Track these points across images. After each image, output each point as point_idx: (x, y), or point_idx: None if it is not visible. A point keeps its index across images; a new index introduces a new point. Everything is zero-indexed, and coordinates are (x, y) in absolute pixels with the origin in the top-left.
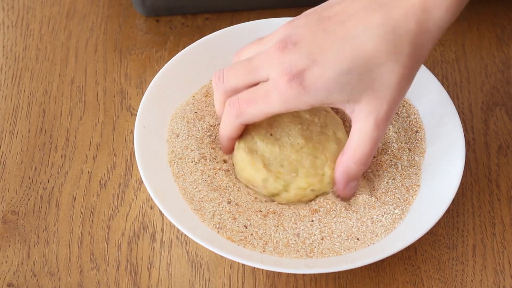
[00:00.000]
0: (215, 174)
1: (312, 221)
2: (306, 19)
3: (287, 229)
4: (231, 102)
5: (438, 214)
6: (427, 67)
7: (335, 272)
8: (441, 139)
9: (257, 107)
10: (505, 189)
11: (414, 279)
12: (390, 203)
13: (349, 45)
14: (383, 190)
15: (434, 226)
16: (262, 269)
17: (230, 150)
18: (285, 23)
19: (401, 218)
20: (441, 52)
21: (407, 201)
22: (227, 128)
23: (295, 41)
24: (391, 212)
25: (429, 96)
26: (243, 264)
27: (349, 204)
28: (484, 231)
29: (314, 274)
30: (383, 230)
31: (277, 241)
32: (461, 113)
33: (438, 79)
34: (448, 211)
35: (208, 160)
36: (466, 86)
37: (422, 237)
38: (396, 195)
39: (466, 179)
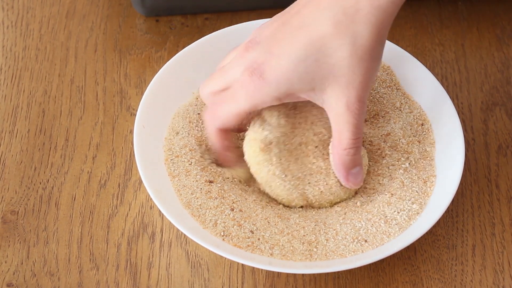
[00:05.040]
0: (213, 179)
1: (317, 222)
2: (273, 18)
3: (293, 230)
4: (207, 109)
5: (438, 214)
6: (426, 67)
7: (334, 272)
8: (441, 139)
9: (227, 107)
10: (505, 189)
11: (414, 279)
12: (407, 198)
13: (303, 33)
14: (399, 185)
15: (434, 226)
16: (262, 269)
17: (228, 162)
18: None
19: (418, 213)
20: (440, 52)
21: (425, 194)
22: (210, 138)
23: (258, 40)
24: (408, 208)
25: (429, 96)
26: (242, 264)
27: (359, 205)
28: (483, 231)
29: (314, 274)
30: (397, 229)
31: (283, 244)
32: (460, 113)
33: (437, 79)
34: (447, 211)
35: (205, 161)
36: (466, 86)
37: (421, 237)
38: (414, 188)
39: (465, 179)
